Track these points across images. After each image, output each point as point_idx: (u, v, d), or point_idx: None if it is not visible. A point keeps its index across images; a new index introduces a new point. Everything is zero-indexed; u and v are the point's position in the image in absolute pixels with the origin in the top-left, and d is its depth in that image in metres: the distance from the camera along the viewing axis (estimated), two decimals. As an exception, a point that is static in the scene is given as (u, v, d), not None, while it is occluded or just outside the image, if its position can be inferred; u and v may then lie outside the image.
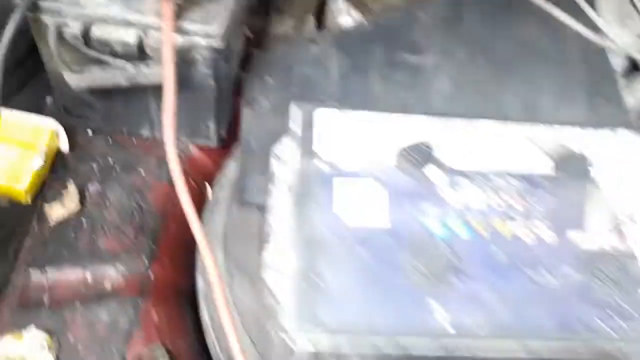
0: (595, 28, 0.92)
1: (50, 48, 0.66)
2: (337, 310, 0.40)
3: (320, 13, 1.01)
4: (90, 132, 0.83)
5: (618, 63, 0.99)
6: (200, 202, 0.77)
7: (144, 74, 0.66)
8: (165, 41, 0.61)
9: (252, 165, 0.63)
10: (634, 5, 0.98)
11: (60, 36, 0.65)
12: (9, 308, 0.67)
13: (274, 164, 0.50)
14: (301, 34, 0.97)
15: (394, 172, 0.49)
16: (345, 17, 0.99)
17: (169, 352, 0.66)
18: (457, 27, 0.91)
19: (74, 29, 0.65)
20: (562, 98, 0.84)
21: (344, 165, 0.49)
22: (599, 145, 0.55)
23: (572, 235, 0.47)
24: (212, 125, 0.80)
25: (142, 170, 0.81)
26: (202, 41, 0.66)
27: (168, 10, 0.62)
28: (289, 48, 0.93)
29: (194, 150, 0.85)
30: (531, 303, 0.43)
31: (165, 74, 0.61)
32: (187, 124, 0.81)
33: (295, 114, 0.53)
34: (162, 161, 0.82)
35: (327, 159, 0.49)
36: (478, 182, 0.50)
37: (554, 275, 0.45)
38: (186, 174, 0.83)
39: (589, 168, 0.52)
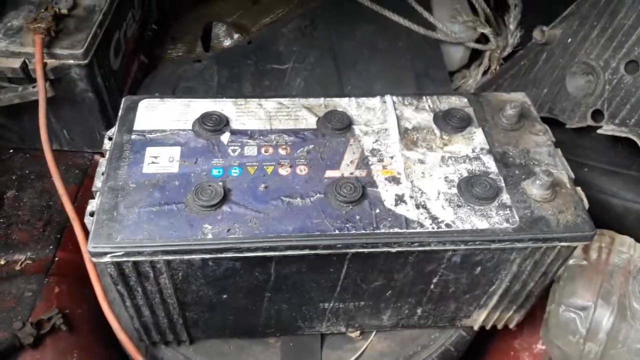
0: (430, 25, 1.08)
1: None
2: (129, 235, 0.54)
3: (207, 38, 1.17)
4: (10, 150, 0.97)
5: (458, 56, 1.14)
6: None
7: (32, 92, 0.81)
8: (37, 64, 0.76)
9: None
10: (469, 2, 1.14)
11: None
12: None
13: (105, 140, 0.65)
14: (190, 56, 1.13)
15: (191, 136, 0.64)
16: (227, 39, 1.15)
17: (65, 315, 0.79)
18: (310, 36, 1.07)
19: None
20: (394, 83, 0.98)
21: (153, 135, 0.64)
22: (367, 107, 0.69)
23: (327, 170, 0.61)
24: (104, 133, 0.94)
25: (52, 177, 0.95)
26: (71, 61, 0.81)
27: (39, 41, 0.78)
28: (176, 67, 1.09)
29: (96, 158, 0.99)
30: (280, 217, 0.57)
31: (39, 87, 0.76)
32: (84, 136, 0.95)
33: (123, 103, 0.68)
34: (70, 168, 0.98)
35: (140, 131, 0.64)
36: (256, 139, 0.64)
37: (302, 197, 0.59)
38: (90, 178, 0.98)
39: (352, 124, 0.66)
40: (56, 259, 0.86)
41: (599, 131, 0.83)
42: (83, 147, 0.96)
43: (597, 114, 0.85)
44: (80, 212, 0.90)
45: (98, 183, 0.60)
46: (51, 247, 0.87)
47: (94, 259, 0.54)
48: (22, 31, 0.82)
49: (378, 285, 0.64)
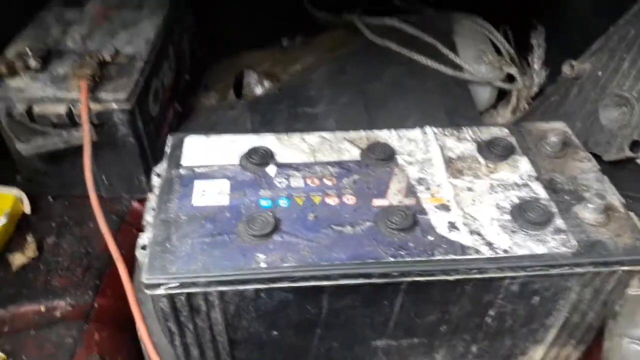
0: (457, 66, 1.10)
1: (2, 125, 0.82)
2: (183, 265, 0.53)
3: (239, 86, 1.19)
4: (50, 198, 0.98)
5: (486, 96, 1.15)
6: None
7: (76, 136, 0.82)
8: (82, 108, 0.78)
9: None
10: (492, 44, 1.16)
11: (9, 116, 0.82)
12: (-26, 338, 0.79)
13: (153, 176, 0.65)
14: (223, 104, 1.15)
15: (238, 170, 0.64)
16: (258, 87, 1.17)
17: (105, 361, 0.77)
18: (340, 80, 1.09)
19: (20, 109, 0.82)
20: (425, 120, 0.98)
21: (201, 170, 0.64)
22: (409, 139, 0.69)
23: (374, 199, 0.61)
24: (143, 179, 0.95)
25: (91, 223, 0.95)
26: (114, 106, 0.82)
27: (84, 86, 0.80)
28: (210, 115, 1.11)
29: (134, 204, 0.99)
30: (332, 244, 0.55)
31: (84, 130, 0.77)
32: (123, 182, 0.95)
33: (169, 140, 0.69)
34: (107, 214, 0.97)
35: (189, 167, 0.64)
36: (302, 171, 0.64)
37: (352, 225, 0.58)
38: (128, 224, 0.98)
39: (394, 154, 0.66)
40: (95, 305, 0.84)
41: (638, 160, 0.82)
42: (121, 193, 0.97)
43: (635, 145, 0.84)
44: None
45: (148, 217, 0.60)
46: (90, 293, 0.85)
47: (149, 291, 0.53)
48: (67, 78, 0.84)
49: (432, 320, 0.62)
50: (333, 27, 1.28)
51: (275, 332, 0.60)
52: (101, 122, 0.84)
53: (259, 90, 1.15)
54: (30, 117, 0.83)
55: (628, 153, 0.84)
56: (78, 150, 0.86)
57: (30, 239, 0.89)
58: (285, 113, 1.07)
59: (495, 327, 0.64)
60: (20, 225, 0.92)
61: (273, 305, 0.57)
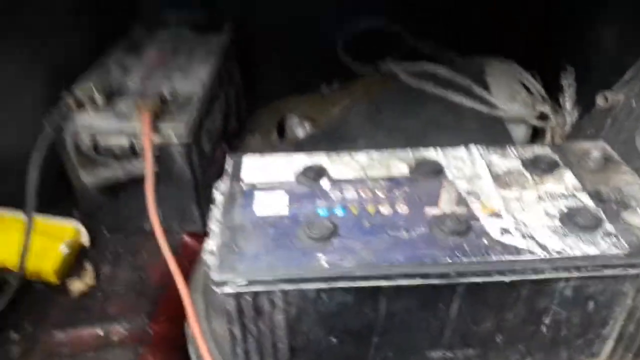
0: (491, 104, 1.14)
1: (70, 157, 0.89)
2: (250, 265, 0.56)
3: (282, 129, 1.25)
4: (106, 232, 1.02)
5: (521, 134, 1.19)
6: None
7: (137, 167, 0.88)
8: (145, 139, 0.84)
9: None
10: (524, 86, 1.21)
11: (77, 148, 0.88)
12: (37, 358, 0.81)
13: (214, 192, 0.69)
14: (267, 145, 1.21)
15: (294, 185, 0.68)
16: (299, 129, 1.23)
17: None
18: (378, 119, 1.14)
19: (86, 141, 0.88)
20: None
21: (261, 185, 0.68)
22: (455, 156, 0.72)
23: (426, 208, 0.63)
24: (196, 213, 1.00)
25: (144, 254, 0.99)
26: (174, 139, 0.88)
27: (147, 119, 0.86)
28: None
29: (185, 237, 1.03)
30: (389, 248, 0.58)
31: (147, 160, 0.82)
32: (176, 214, 1.00)
33: (229, 159, 0.73)
34: (158, 250, 1.01)
35: (249, 183, 0.68)
36: (355, 185, 0.67)
37: (407, 230, 0.60)
38: (180, 257, 1.01)
39: (443, 169, 0.69)
40: (149, 330, 0.87)
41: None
42: (173, 226, 1.01)
43: (673, 169, 0.86)
44: (172, 288, 0.92)
45: (213, 226, 0.63)
46: (145, 318, 0.88)
47: (218, 289, 0.56)
48: (130, 114, 0.91)
49: (488, 327, 0.62)
50: (367, 75, 1.36)
51: (333, 339, 0.62)
52: (160, 155, 0.89)
53: (300, 132, 1.21)
54: (95, 149, 0.89)
55: (668, 178, 0.86)
56: (135, 185, 0.92)
57: (89, 267, 0.93)
58: (326, 151, 1.11)
59: (551, 337, 0.64)
60: (79, 256, 0.96)
61: (332, 307, 0.59)
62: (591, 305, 0.61)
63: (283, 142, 1.21)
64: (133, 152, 0.88)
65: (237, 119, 1.25)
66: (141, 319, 0.88)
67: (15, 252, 0.89)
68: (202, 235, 1.03)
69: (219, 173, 1.11)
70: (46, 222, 0.94)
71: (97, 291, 0.91)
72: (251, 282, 0.56)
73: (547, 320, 0.62)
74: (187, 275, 0.94)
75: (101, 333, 0.85)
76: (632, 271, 0.57)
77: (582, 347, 0.65)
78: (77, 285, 0.90)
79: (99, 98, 0.92)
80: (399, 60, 1.27)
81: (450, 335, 0.63)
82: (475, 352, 0.65)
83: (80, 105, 0.90)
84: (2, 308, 0.81)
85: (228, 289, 0.56)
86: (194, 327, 0.69)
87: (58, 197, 1.05)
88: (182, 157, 0.91)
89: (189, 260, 1.00)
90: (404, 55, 1.33)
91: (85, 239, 0.98)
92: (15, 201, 0.97)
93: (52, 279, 0.90)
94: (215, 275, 0.56)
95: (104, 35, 1.17)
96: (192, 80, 1.01)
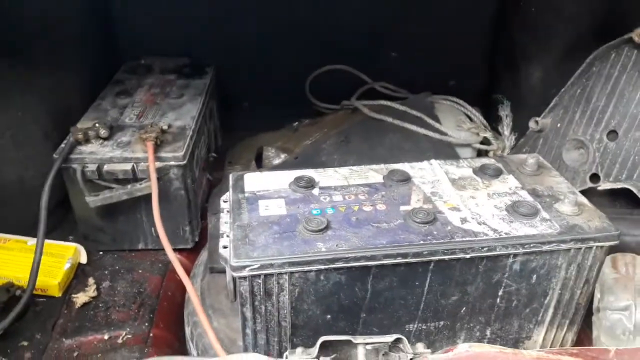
0: (441, 133, 1.31)
1: (77, 183, 0.98)
2: (261, 252, 0.67)
3: (260, 159, 1.38)
4: (100, 252, 1.10)
5: (467, 156, 1.36)
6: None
7: (138, 188, 0.98)
8: (150, 164, 0.95)
9: (215, 248, 0.92)
10: (467, 115, 1.39)
11: (83, 174, 0.98)
12: (47, 362, 0.88)
13: (221, 203, 0.81)
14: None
15: (290, 192, 0.80)
16: (276, 159, 1.36)
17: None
18: (347, 147, 1.29)
19: (91, 168, 0.98)
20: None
21: (261, 193, 0.80)
22: (419, 168, 0.87)
23: (400, 206, 0.77)
24: (187, 230, 1.09)
25: (140, 270, 1.07)
26: (173, 162, 0.99)
27: (151, 146, 0.97)
28: (237, 180, 1.27)
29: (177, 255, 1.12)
30: (374, 235, 0.71)
31: (152, 182, 0.93)
32: (170, 234, 1.08)
33: (232, 176, 0.85)
34: (154, 263, 1.10)
35: (251, 192, 0.80)
36: (340, 191, 0.80)
37: (387, 223, 0.73)
38: (172, 272, 1.10)
39: (410, 177, 0.84)
40: (151, 335, 0.95)
41: (599, 188, 1.01)
42: (152, 245, 1.10)
43: (594, 177, 1.04)
44: (167, 299, 1.01)
45: (224, 227, 0.75)
46: (146, 324, 0.96)
47: (235, 273, 0.67)
48: (131, 143, 1.02)
49: (454, 301, 0.76)
50: (332, 112, 1.52)
51: (328, 316, 0.73)
52: (159, 177, 1.00)
53: (276, 161, 1.34)
54: (99, 175, 0.99)
55: (589, 184, 1.04)
56: (130, 208, 1.02)
57: (91, 281, 1.01)
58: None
59: (504, 309, 0.77)
60: (77, 273, 1.04)
61: (329, 287, 0.70)
62: (534, 277, 0.75)
63: (261, 170, 1.33)
64: (134, 175, 0.98)
65: (215, 151, 1.36)
66: (143, 325, 0.96)
67: (22, 270, 0.96)
68: (190, 252, 1.13)
69: (205, 198, 1.22)
70: (49, 243, 1.01)
71: (99, 303, 0.99)
72: (263, 266, 0.67)
73: (500, 292, 0.76)
74: (181, 288, 1.03)
75: (106, 337, 0.92)
76: (563, 246, 0.73)
77: (530, 316, 0.79)
78: (80, 298, 0.97)
79: (102, 131, 1.02)
80: (360, 98, 1.44)
81: (424, 309, 0.75)
82: (445, 324, 0.77)
83: (86, 138, 1.01)
84: (13, 319, 0.87)
85: (244, 273, 0.67)
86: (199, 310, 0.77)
87: (54, 225, 1.13)
88: (179, 179, 1.01)
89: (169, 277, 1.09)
90: (362, 95, 1.50)
91: (83, 256, 1.06)
92: (18, 227, 1.05)
93: (56, 292, 0.97)
94: (233, 261, 0.67)
95: (95, 80, 1.28)
96: (184, 116, 1.13)
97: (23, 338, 0.90)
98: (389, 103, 1.38)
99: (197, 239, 1.12)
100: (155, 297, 1.02)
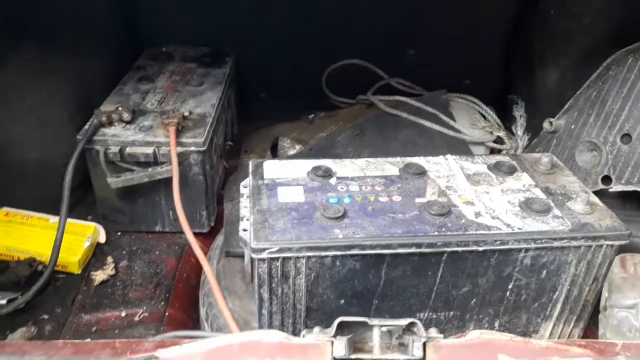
0: (455, 130, 1.33)
1: (99, 164, 1.00)
2: (280, 236, 0.69)
3: (275, 149, 1.40)
4: (118, 233, 1.13)
5: (481, 153, 1.37)
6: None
7: (159, 172, 1.00)
8: (172, 148, 0.97)
9: (231, 232, 0.95)
10: (481, 114, 1.40)
11: (105, 156, 1.00)
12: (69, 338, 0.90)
13: (241, 189, 0.83)
14: (262, 162, 1.34)
15: (308, 181, 0.82)
16: (291, 149, 1.38)
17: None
18: (361, 141, 1.30)
19: (114, 150, 1.00)
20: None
21: (280, 180, 0.82)
22: (434, 162, 0.89)
23: (416, 198, 0.79)
24: (204, 215, 1.12)
25: (157, 251, 1.10)
26: (193, 148, 1.01)
27: (173, 131, 0.99)
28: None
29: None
30: (389, 225, 0.72)
31: (173, 166, 0.95)
32: (187, 217, 1.11)
33: (252, 163, 0.87)
34: (171, 245, 1.12)
35: (270, 179, 0.82)
36: (357, 181, 0.82)
37: (402, 213, 0.75)
38: (187, 254, 1.12)
39: (426, 171, 0.85)
40: (167, 314, 0.97)
41: (610, 190, 1.02)
42: (169, 227, 1.12)
43: (606, 179, 1.05)
44: (182, 280, 1.03)
45: (244, 212, 0.77)
46: (162, 303, 0.98)
47: (254, 255, 0.69)
48: (154, 127, 1.04)
49: (465, 292, 0.77)
50: (347, 105, 1.53)
51: (342, 301, 0.75)
52: (179, 162, 1.02)
53: (291, 152, 1.35)
54: (121, 157, 1.01)
55: (601, 186, 1.05)
56: (151, 189, 1.05)
57: (109, 259, 1.04)
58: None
59: (513, 302, 0.79)
60: (96, 251, 1.07)
61: (344, 273, 0.72)
62: (544, 272, 0.77)
63: (276, 159, 1.35)
64: (155, 159, 1.01)
65: (231, 140, 1.39)
66: (159, 304, 0.98)
67: (43, 246, 0.99)
68: (206, 237, 1.15)
69: (221, 185, 1.24)
70: (70, 222, 1.04)
71: (116, 281, 1.01)
72: (282, 249, 0.69)
73: (510, 285, 0.77)
74: (196, 271, 1.06)
75: (123, 314, 0.95)
76: (574, 243, 0.74)
77: (538, 310, 0.81)
78: (98, 275, 1.00)
79: (126, 114, 1.04)
80: (376, 94, 1.45)
81: (435, 298, 0.77)
82: (454, 314, 0.79)
83: (110, 121, 1.03)
84: (35, 293, 0.90)
85: (263, 255, 0.69)
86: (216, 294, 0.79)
87: (74, 205, 1.15)
88: (198, 164, 1.04)
89: (195, 258, 1.12)
90: (378, 90, 1.52)
91: (102, 236, 1.08)
92: (40, 205, 1.08)
93: (75, 269, 1.00)
94: (253, 244, 0.69)
95: (117, 65, 1.31)
96: (205, 104, 1.15)
97: (44, 311, 0.92)
98: (404, 99, 1.40)
99: (212, 224, 1.15)
100: (171, 278, 1.04)
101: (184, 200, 1.05)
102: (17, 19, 1.03)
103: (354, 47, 1.52)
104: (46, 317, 0.92)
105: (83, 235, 1.03)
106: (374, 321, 0.58)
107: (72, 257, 1.00)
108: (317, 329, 0.58)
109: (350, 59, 1.54)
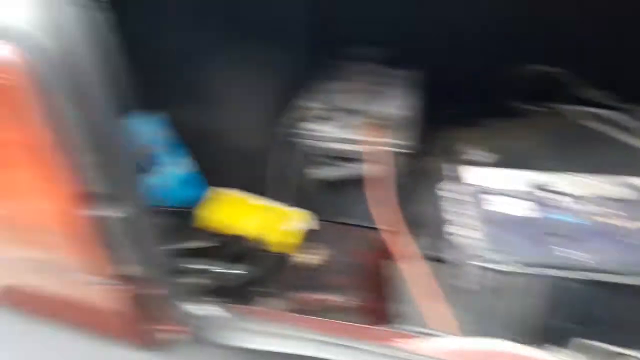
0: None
1: (300, 156, 1.09)
2: (509, 249, 0.70)
3: (454, 154, 1.39)
4: (320, 221, 1.21)
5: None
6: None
7: (362, 169, 1.06)
8: (378, 149, 1.02)
9: (437, 235, 0.95)
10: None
11: (310, 149, 1.08)
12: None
13: (445, 192, 0.85)
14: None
15: (531, 193, 0.81)
16: (475, 155, 1.35)
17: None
18: (565, 156, 1.22)
19: (318, 145, 1.09)
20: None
21: (495, 190, 0.82)
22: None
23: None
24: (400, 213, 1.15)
25: (355, 244, 1.16)
26: (396, 149, 1.07)
27: (377, 132, 1.04)
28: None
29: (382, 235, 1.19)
30: (627, 252, 0.70)
31: (387, 169, 1.00)
32: (385, 214, 1.16)
33: (460, 168, 0.89)
34: (367, 239, 1.17)
35: (481, 187, 0.83)
36: (584, 200, 0.80)
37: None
38: (381, 250, 1.16)
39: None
40: (365, 304, 1.03)
41: None
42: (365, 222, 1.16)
43: None
44: (378, 274, 1.08)
45: (461, 218, 0.78)
46: (357, 292, 1.04)
47: (488, 265, 0.70)
48: (356, 126, 1.11)
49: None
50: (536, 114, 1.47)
51: (563, 323, 0.74)
52: (380, 161, 1.07)
53: (476, 158, 1.33)
54: (325, 151, 1.09)
55: None
56: (352, 185, 1.10)
57: (316, 246, 1.11)
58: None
59: None
60: (306, 239, 1.16)
61: (571, 295, 0.71)
62: None
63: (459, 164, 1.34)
64: (355, 156, 1.07)
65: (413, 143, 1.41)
66: (354, 291, 1.05)
67: (253, 227, 1.10)
68: (393, 233, 1.18)
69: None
70: (282, 208, 1.14)
71: (321, 267, 1.10)
72: (511, 263, 0.69)
73: None
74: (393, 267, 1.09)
75: (323, 298, 1.02)
76: None
77: None
78: (307, 260, 1.09)
79: (326, 112, 1.11)
80: (574, 103, 1.38)
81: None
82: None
83: (312, 116, 1.10)
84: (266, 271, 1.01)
85: (498, 267, 0.70)
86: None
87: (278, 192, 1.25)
88: (399, 165, 1.07)
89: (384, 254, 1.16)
90: (572, 99, 1.44)
91: (311, 223, 1.17)
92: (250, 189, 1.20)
93: (291, 251, 1.10)
94: (488, 254, 0.70)
95: (315, 64, 1.40)
96: (399, 106, 1.19)
97: (259, 287, 1.02)
98: (606, 112, 1.31)
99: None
100: (368, 270, 1.10)
101: (382, 199, 1.09)
102: (233, 19, 1.15)
103: (547, 52, 1.45)
104: (262, 290, 1.02)
105: (297, 220, 1.13)
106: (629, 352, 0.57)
107: (289, 240, 1.09)
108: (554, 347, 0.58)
109: (535, 62, 1.47)
